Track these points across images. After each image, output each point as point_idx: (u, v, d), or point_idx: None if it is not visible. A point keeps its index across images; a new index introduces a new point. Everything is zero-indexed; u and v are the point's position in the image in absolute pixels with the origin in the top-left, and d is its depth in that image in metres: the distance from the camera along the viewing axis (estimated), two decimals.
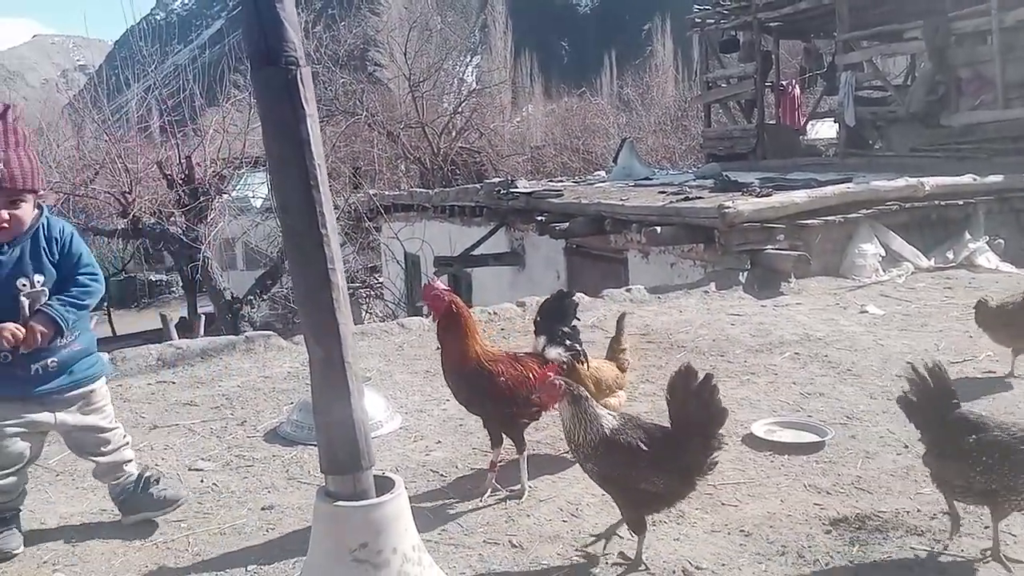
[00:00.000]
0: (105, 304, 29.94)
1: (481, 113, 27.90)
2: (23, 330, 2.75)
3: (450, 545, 2.89)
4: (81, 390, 2.96)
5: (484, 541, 2.90)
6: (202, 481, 3.50)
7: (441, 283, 3.22)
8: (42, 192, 2.92)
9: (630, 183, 12.50)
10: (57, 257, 2.88)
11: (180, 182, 16.14)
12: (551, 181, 15.53)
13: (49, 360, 2.85)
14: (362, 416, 2.26)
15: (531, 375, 3.20)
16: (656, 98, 32.08)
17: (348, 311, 2.27)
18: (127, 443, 3.15)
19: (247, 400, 4.59)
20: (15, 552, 2.91)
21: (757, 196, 8.06)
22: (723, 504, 3.15)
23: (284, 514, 3.17)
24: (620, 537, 2.83)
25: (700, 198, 8.65)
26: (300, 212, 2.18)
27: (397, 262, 16.27)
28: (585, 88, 36.08)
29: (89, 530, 3.09)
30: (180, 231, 16.10)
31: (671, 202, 8.49)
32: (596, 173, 17.38)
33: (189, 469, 3.63)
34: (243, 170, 18.79)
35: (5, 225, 2.77)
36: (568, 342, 3.37)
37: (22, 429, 2.85)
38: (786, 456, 3.57)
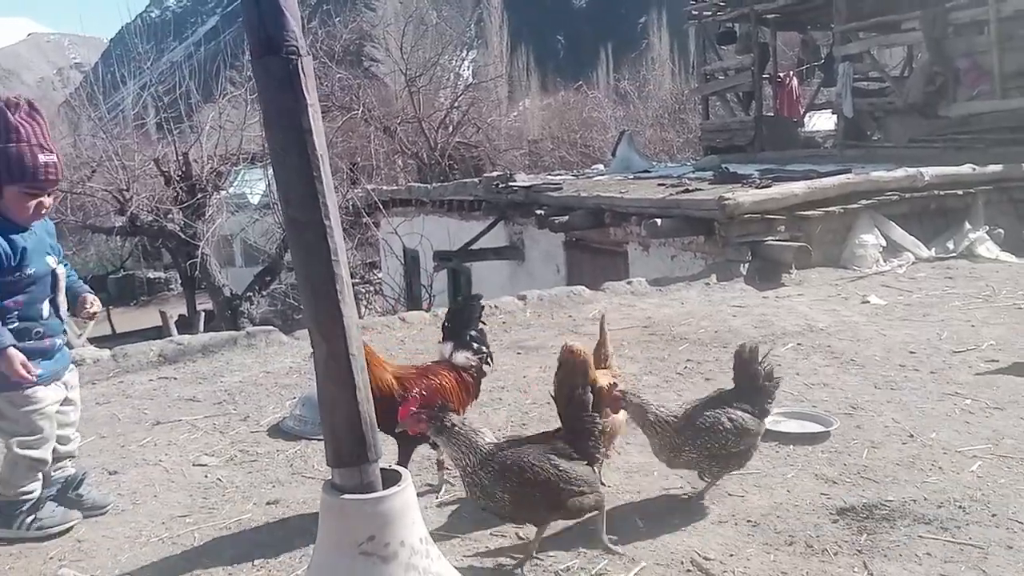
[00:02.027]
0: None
1: (478, 107, 27.82)
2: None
3: (456, 537, 2.88)
4: (68, 369, 3.15)
5: (491, 533, 2.89)
6: (206, 476, 3.49)
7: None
8: None
9: (629, 176, 12.48)
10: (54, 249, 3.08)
11: (177, 179, 16.12)
12: (549, 175, 15.50)
13: (58, 339, 3.06)
14: (368, 408, 2.24)
15: (444, 383, 3.18)
16: (653, 91, 32.04)
17: (352, 303, 2.25)
18: (78, 437, 3.26)
19: (249, 395, 4.58)
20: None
21: (757, 187, 8.04)
22: (729, 495, 3.14)
23: (289, 508, 3.16)
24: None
25: (700, 190, 8.63)
26: (303, 203, 2.16)
27: (396, 257, 16.25)
28: (582, 82, 35.99)
29: (95, 526, 3.08)
30: (178, 228, 16.08)
31: (671, 194, 8.47)
32: (594, 166, 17.34)
33: (193, 464, 3.61)
34: (240, 166, 18.77)
35: (45, 211, 2.98)
36: (476, 345, 3.33)
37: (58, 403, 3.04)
38: (791, 446, 3.57)
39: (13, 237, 2.87)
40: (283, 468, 3.57)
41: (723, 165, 11.57)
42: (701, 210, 7.62)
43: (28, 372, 2.81)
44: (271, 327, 5.89)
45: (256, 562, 2.76)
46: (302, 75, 2.11)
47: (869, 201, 7.99)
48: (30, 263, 2.90)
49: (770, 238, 7.30)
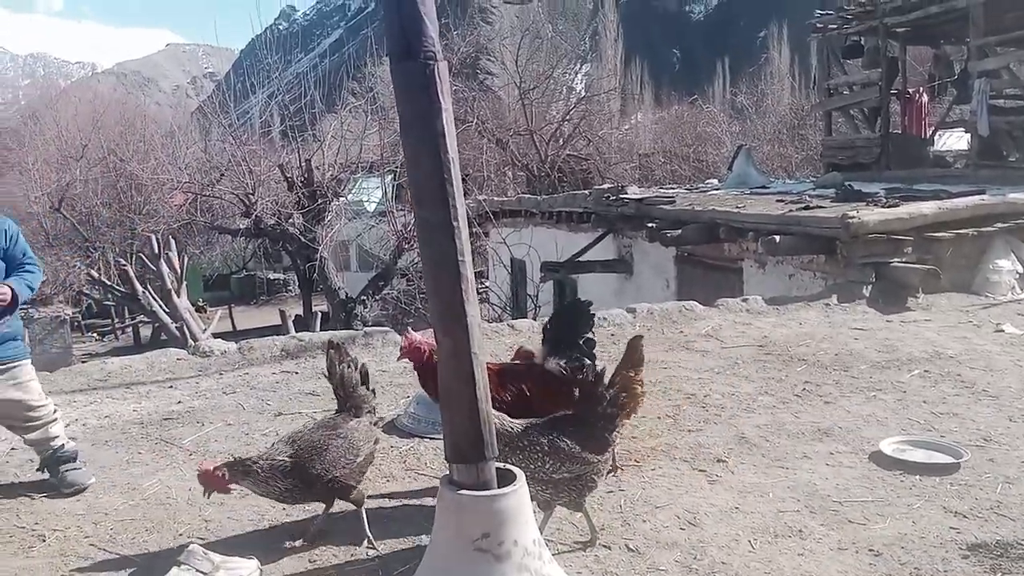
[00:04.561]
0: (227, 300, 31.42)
1: (589, 120, 27.74)
2: None
3: (565, 545, 2.88)
4: (4, 366, 3.39)
5: (600, 544, 2.88)
6: None
7: (418, 334, 3.12)
8: None
9: (746, 191, 12.17)
10: (5, 250, 3.39)
11: (300, 185, 16.77)
12: (660, 189, 15.32)
13: None
14: (487, 406, 2.28)
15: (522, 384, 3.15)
16: (771, 106, 31.16)
17: (476, 303, 2.29)
18: (55, 420, 3.53)
19: None
20: None
21: (883, 206, 7.70)
22: (849, 521, 3.02)
23: (403, 502, 3.23)
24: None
25: (821, 207, 8.33)
26: (433, 204, 2.22)
27: (504, 267, 16.39)
28: (697, 96, 35.42)
29: (220, 507, 3.23)
30: (298, 232, 16.71)
31: (791, 210, 8.21)
32: (708, 181, 17.02)
33: None
34: (359, 175, 19.37)
35: None
36: (577, 354, 3.20)
37: None
38: (917, 476, 3.39)
39: None
40: (397, 463, 3.66)
41: (846, 183, 11.13)
42: (823, 228, 7.36)
43: None
44: (387, 328, 6.05)
45: (370, 551, 2.84)
46: (438, 80, 2.17)
47: (1005, 224, 7.53)
48: None
49: (896, 260, 6.97)
